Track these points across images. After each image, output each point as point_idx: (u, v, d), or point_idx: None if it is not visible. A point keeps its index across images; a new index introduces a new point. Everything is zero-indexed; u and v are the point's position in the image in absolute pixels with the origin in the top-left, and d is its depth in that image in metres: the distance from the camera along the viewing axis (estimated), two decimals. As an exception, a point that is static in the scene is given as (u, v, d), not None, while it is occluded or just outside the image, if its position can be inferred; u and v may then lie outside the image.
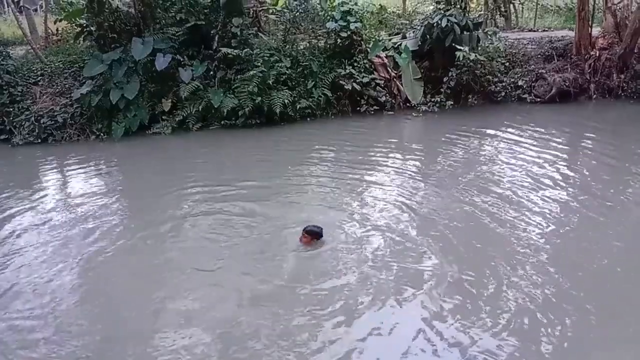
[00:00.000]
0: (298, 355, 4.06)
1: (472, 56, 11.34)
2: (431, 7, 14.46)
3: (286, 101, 11.03)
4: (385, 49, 12.51)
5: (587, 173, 7.90)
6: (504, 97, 12.33)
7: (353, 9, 11.92)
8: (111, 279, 5.34)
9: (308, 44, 12.42)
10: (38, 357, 4.20)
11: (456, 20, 11.52)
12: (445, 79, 11.94)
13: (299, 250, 5.57)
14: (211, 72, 11.38)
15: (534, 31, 15.95)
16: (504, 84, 12.40)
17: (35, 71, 11.58)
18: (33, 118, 10.72)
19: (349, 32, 11.77)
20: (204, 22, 11.54)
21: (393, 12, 17.08)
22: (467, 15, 12.44)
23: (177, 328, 4.43)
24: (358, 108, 11.99)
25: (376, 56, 12.23)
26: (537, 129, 10.22)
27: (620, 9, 12.60)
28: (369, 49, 12.22)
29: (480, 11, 17.12)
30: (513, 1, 18.07)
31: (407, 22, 14.61)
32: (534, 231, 5.89)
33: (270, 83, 11.04)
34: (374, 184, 7.65)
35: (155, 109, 11.14)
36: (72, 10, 12.15)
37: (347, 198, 7.08)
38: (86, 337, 4.41)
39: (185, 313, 4.63)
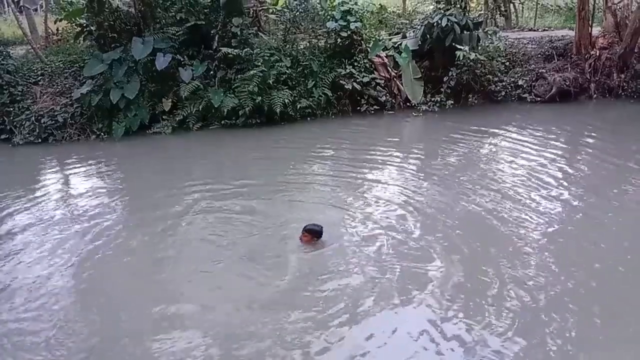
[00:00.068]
0: (299, 357, 4.04)
1: (472, 56, 11.34)
2: (431, 7, 14.46)
3: (286, 101, 11.04)
4: (385, 49, 12.51)
5: (587, 172, 7.90)
6: (504, 96, 12.33)
7: (353, 9, 11.92)
8: (111, 278, 5.33)
9: (308, 44, 12.42)
10: (36, 358, 4.18)
11: (456, 20, 11.52)
12: (445, 79, 11.94)
13: (299, 250, 5.56)
14: (211, 72, 11.38)
15: (534, 31, 15.95)
16: (504, 83, 12.40)
17: (35, 71, 11.57)
18: (33, 118, 10.71)
19: (349, 32, 11.77)
20: (204, 22, 11.53)
21: (393, 11, 17.07)
22: (467, 14, 12.43)
23: (177, 329, 4.40)
24: (358, 108, 11.99)
25: (376, 56, 12.23)
26: (538, 128, 10.22)
27: (620, 8, 12.60)
28: (369, 49, 12.22)
29: (481, 11, 17.10)
30: (513, 1, 18.06)
31: (407, 21, 14.60)
32: (536, 230, 5.89)
33: (271, 83, 11.04)
34: (375, 183, 7.64)
35: (156, 109, 11.14)
36: (72, 10, 12.15)
37: (348, 197, 7.08)
38: (85, 337, 4.39)
39: (185, 314, 4.61)
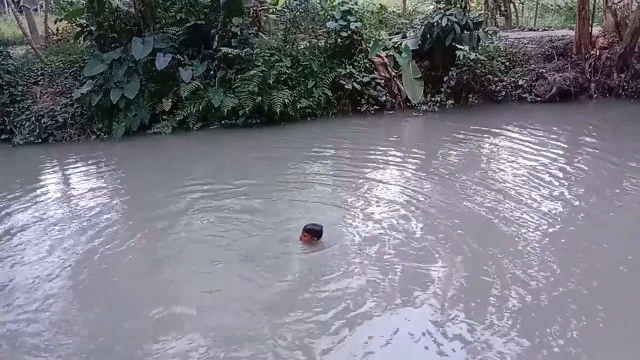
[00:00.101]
0: (300, 359, 4.02)
1: (473, 55, 11.34)
2: (431, 7, 14.46)
3: (286, 101, 11.03)
4: (385, 49, 12.51)
5: (588, 172, 7.89)
6: (504, 96, 12.33)
7: (353, 9, 11.91)
8: (110, 279, 5.31)
9: (308, 44, 12.42)
10: (34, 358, 4.18)
11: (456, 20, 11.52)
12: (445, 79, 11.93)
13: (300, 251, 5.56)
14: (211, 72, 11.38)
15: (534, 30, 15.94)
16: (504, 83, 12.40)
17: (35, 71, 11.57)
18: (33, 118, 10.72)
19: (349, 32, 11.77)
20: (204, 22, 11.53)
21: (393, 11, 17.07)
22: (467, 14, 12.44)
23: (177, 331, 4.38)
24: (358, 107, 11.99)
25: (376, 56, 12.22)
26: (538, 128, 10.22)
27: (620, 8, 12.60)
28: (369, 49, 12.21)
29: (481, 10, 17.11)
30: (513, 0, 18.06)
31: (407, 21, 14.60)
32: (538, 230, 5.89)
33: (271, 83, 11.04)
34: (376, 183, 7.63)
35: (156, 109, 11.14)
36: (72, 9, 12.15)
37: (349, 197, 7.08)
38: (84, 339, 4.37)
39: (185, 315, 4.60)
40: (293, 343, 4.17)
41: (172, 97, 11.17)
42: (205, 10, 11.68)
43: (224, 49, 11.07)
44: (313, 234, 5.59)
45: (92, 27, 11.63)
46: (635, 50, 12.22)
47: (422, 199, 6.89)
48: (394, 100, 12.18)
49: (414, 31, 12.85)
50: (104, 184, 8.35)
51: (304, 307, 4.60)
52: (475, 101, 12.27)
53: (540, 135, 9.75)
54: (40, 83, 11.42)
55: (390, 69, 12.26)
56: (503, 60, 12.67)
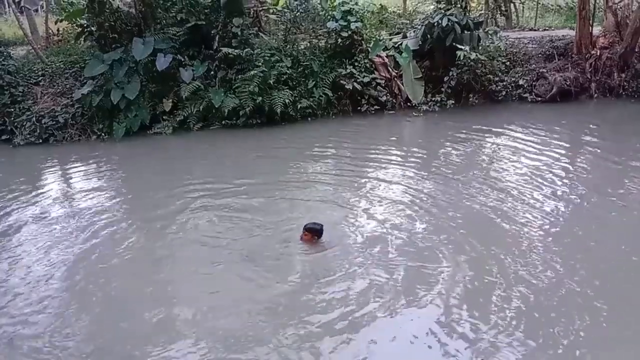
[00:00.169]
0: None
1: (473, 55, 11.33)
2: (432, 7, 14.45)
3: (287, 101, 11.03)
4: (386, 49, 12.51)
5: (591, 172, 7.89)
6: (504, 96, 12.32)
7: (353, 9, 11.91)
8: (110, 279, 5.28)
9: (309, 44, 12.42)
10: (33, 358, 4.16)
11: (457, 20, 11.51)
12: (446, 79, 11.93)
13: (301, 250, 5.54)
14: (212, 72, 11.37)
15: (535, 30, 15.94)
16: (504, 83, 12.39)
17: (36, 71, 11.57)
18: (34, 118, 10.71)
19: (349, 32, 11.76)
20: (204, 22, 11.53)
21: (393, 11, 17.05)
22: (467, 14, 12.45)
23: (177, 332, 4.36)
24: (359, 108, 11.98)
25: (377, 56, 12.22)
26: (539, 128, 10.20)
27: (621, 8, 12.58)
28: (369, 49, 12.21)
29: (481, 10, 17.10)
30: (514, 0, 18.06)
31: (408, 21, 14.59)
32: (541, 230, 5.88)
33: (271, 83, 11.03)
34: (378, 182, 7.62)
35: (156, 109, 11.14)
36: (73, 10, 12.16)
37: (350, 196, 7.07)
38: (82, 341, 4.33)
39: (185, 316, 4.56)
40: (296, 344, 4.12)
41: (173, 98, 11.16)
42: (206, 10, 11.68)
43: (225, 49, 11.07)
44: (313, 233, 5.58)
45: (92, 28, 11.64)
46: (636, 50, 12.21)
47: (425, 199, 6.87)
48: (394, 101, 12.17)
49: (414, 31, 12.85)
50: (104, 184, 8.34)
51: (306, 309, 4.56)
52: (475, 101, 12.26)
53: (542, 135, 9.74)
54: (41, 83, 11.41)
55: (390, 69, 12.26)
56: (503, 60, 12.66)
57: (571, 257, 5.31)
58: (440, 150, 9.29)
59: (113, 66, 10.89)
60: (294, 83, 11.58)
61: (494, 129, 10.25)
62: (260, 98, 10.80)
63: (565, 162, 8.20)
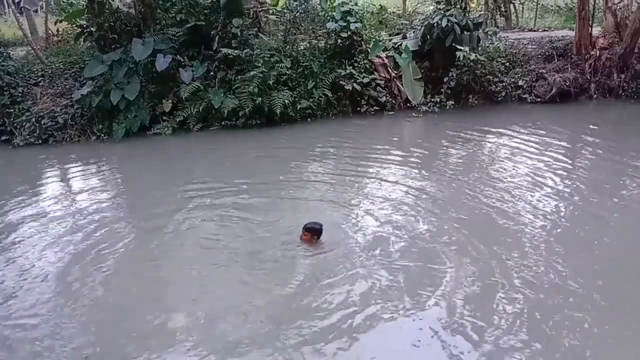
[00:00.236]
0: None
1: (473, 56, 11.34)
2: (431, 7, 14.47)
3: (286, 101, 11.03)
4: (385, 49, 12.51)
5: (591, 172, 7.90)
6: (504, 97, 12.33)
7: (353, 9, 11.91)
8: (108, 280, 5.25)
9: (308, 45, 12.42)
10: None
11: (456, 20, 11.52)
12: (445, 79, 11.93)
13: (301, 251, 5.51)
14: (211, 73, 11.37)
15: (534, 31, 15.95)
16: (504, 84, 12.40)
17: (35, 72, 11.55)
18: (34, 119, 10.70)
19: (349, 33, 11.76)
20: (204, 23, 11.53)
21: (393, 12, 17.07)
22: (467, 15, 12.44)
23: (175, 335, 4.32)
24: (358, 108, 11.98)
25: (376, 56, 12.22)
26: (538, 128, 10.22)
27: (620, 8, 12.60)
28: (369, 49, 12.21)
29: (481, 11, 17.12)
30: (513, 1, 18.07)
31: (408, 22, 14.60)
32: (543, 231, 5.87)
33: (271, 83, 11.03)
34: (378, 183, 7.60)
35: (156, 110, 11.13)
36: (73, 11, 12.14)
37: (351, 196, 7.05)
38: (79, 345, 4.28)
39: (183, 320, 4.53)
40: (295, 349, 4.07)
41: (172, 98, 11.15)
42: (206, 11, 11.68)
43: (224, 50, 11.07)
44: (313, 232, 5.55)
45: (92, 28, 11.62)
46: (635, 50, 12.23)
47: (426, 199, 6.87)
48: (394, 101, 12.17)
49: (414, 32, 12.85)
50: (104, 185, 8.33)
51: (307, 312, 4.51)
52: (475, 102, 12.26)
53: (542, 135, 9.74)
54: (40, 84, 11.40)
55: (390, 70, 12.26)
56: (503, 61, 12.67)
57: (573, 258, 5.30)
58: (441, 150, 9.29)
59: (113, 67, 10.87)
60: (294, 84, 11.58)
61: (493, 130, 10.26)
62: (259, 99, 10.80)
63: (566, 163, 8.20)
